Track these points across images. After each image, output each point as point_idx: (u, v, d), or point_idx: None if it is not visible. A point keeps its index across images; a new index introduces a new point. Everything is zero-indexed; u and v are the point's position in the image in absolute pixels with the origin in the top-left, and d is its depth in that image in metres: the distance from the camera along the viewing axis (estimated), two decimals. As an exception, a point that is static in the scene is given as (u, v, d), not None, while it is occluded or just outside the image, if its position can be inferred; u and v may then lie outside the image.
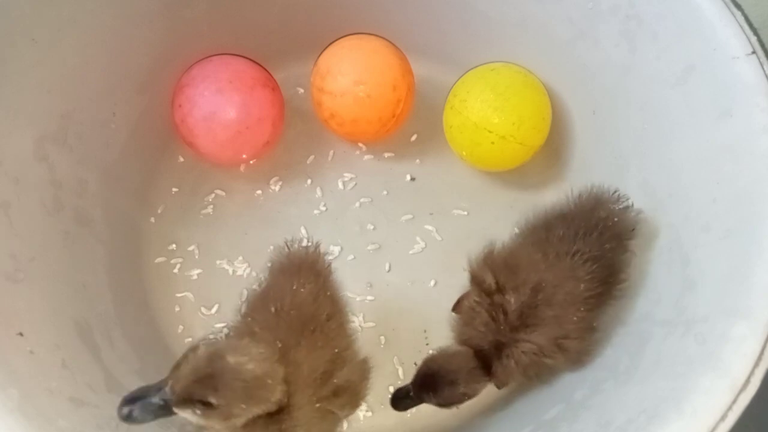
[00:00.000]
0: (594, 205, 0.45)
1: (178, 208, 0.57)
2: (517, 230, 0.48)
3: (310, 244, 0.45)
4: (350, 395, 0.40)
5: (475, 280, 0.43)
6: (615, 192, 0.45)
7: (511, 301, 0.41)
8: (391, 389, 0.49)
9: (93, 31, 0.48)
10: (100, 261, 0.50)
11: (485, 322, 0.42)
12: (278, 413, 0.37)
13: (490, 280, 0.42)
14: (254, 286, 0.43)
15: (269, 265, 0.44)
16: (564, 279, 0.42)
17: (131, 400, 0.34)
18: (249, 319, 0.41)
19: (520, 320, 0.41)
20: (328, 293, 0.42)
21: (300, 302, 0.40)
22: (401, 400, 0.43)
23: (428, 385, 0.42)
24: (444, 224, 0.56)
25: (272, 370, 0.35)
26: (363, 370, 0.42)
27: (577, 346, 0.42)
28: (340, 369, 0.40)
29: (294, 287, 0.41)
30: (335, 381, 0.39)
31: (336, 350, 0.40)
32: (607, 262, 0.43)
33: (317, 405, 0.38)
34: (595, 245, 0.43)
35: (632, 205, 0.45)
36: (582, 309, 0.41)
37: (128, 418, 0.34)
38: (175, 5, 0.52)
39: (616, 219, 0.44)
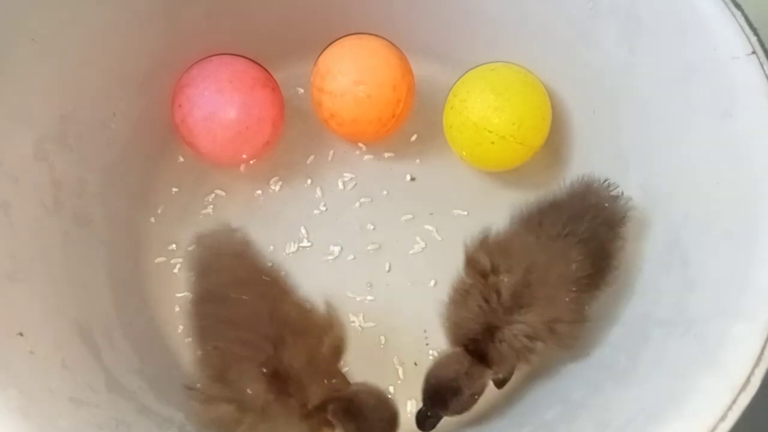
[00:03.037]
0: (585, 192, 0.46)
1: (178, 208, 0.57)
2: (511, 218, 0.48)
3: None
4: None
5: (471, 262, 0.44)
6: (605, 181, 0.46)
7: (505, 281, 0.41)
8: (392, 389, 0.49)
9: (93, 31, 0.48)
10: (100, 261, 0.50)
11: (479, 304, 0.42)
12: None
13: (485, 261, 0.43)
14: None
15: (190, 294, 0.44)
16: (556, 260, 0.42)
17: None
18: (215, 349, 0.40)
19: (513, 300, 0.41)
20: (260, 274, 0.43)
21: (250, 305, 0.41)
22: (426, 420, 0.43)
23: (436, 401, 0.43)
24: (444, 224, 0.56)
25: None
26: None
27: (568, 329, 0.42)
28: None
29: (232, 295, 0.41)
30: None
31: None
32: (599, 245, 0.44)
33: (333, 381, 0.40)
34: (586, 229, 0.43)
35: (623, 193, 0.46)
36: (574, 289, 0.42)
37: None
38: (175, 5, 0.52)
39: (606, 205, 0.45)
